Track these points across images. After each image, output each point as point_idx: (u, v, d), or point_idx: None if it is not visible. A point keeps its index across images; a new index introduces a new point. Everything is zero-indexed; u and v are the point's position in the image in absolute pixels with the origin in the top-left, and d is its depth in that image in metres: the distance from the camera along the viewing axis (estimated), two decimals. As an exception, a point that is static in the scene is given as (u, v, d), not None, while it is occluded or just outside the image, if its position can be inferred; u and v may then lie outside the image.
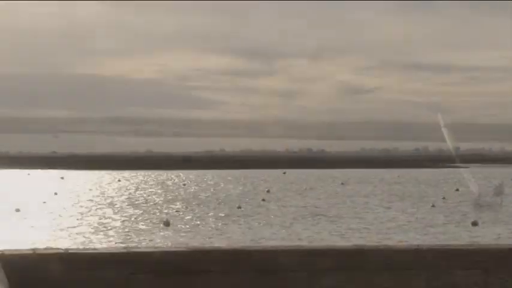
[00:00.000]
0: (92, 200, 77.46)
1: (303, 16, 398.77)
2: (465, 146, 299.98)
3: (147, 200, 78.08)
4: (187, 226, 50.71)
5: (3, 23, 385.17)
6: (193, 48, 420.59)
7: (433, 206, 67.09)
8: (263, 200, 77.47)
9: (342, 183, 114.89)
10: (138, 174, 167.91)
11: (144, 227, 50.31)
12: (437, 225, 51.71)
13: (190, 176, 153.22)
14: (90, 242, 41.90)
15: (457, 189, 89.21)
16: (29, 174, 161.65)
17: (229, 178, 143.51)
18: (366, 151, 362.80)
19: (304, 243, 37.22)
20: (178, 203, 73.12)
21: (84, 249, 7.25)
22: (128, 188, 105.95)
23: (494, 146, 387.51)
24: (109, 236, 44.64)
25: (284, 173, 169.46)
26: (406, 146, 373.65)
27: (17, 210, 61.92)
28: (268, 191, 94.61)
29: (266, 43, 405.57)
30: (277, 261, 7.20)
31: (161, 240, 42.46)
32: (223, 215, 59.23)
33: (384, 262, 7.43)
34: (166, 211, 62.94)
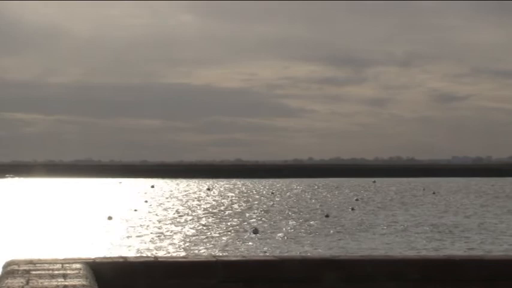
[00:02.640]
0: (181, 208, 78.21)
1: (392, 22, 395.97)
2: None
3: (235, 208, 78.46)
4: (276, 234, 50.73)
5: (99, 36, 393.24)
6: (282, 57, 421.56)
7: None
8: (352, 208, 77.02)
9: (434, 193, 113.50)
10: (228, 182, 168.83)
11: (232, 235, 50.54)
12: None
13: (279, 185, 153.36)
14: (180, 250, 42.27)
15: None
16: (120, 182, 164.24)
17: (317, 187, 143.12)
18: (457, 159, 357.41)
19: (393, 253, 36.88)
20: (266, 212, 73.26)
21: (173, 257, 7.32)
22: (217, 196, 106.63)
23: None
24: (198, 244, 44.97)
25: (374, 181, 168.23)
26: (499, 154, 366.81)
27: (109, 218, 62.97)
28: (357, 200, 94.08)
29: (355, 51, 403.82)
30: (365, 271, 7.14)
31: (250, 249, 42.57)
32: (311, 223, 59.10)
33: (477, 273, 7.27)
34: (254, 219, 63.14)
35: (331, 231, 52.71)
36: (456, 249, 40.99)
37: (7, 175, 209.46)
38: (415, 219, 62.76)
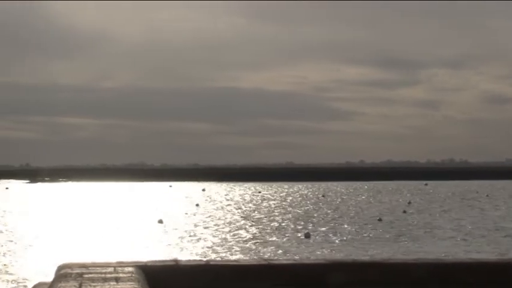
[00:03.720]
0: (232, 212, 78.36)
1: (445, 24, 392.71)
2: None
3: (287, 212, 78.38)
4: (328, 238, 50.57)
5: (149, 40, 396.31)
6: (332, 59, 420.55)
7: None
8: (404, 212, 76.49)
9: (487, 195, 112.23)
10: (278, 186, 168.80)
11: (284, 239, 50.48)
12: None
13: (330, 188, 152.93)
14: (231, 253, 42.34)
15: None
16: (171, 186, 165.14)
17: (369, 189, 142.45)
18: (510, 162, 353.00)
19: (440, 257, 36.51)
20: (318, 215, 73.09)
21: (225, 260, 7.32)
22: (268, 199, 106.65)
23: None
24: (249, 248, 45.00)
25: (426, 184, 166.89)
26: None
27: (160, 221, 63.31)
28: (409, 203, 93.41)
29: (407, 53, 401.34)
30: (417, 274, 7.08)
31: (301, 253, 42.49)
32: (363, 227, 58.79)
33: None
34: (306, 223, 63.01)
35: (385, 235, 52.38)
36: None
37: (60, 179, 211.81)
38: (472, 222, 62.12)
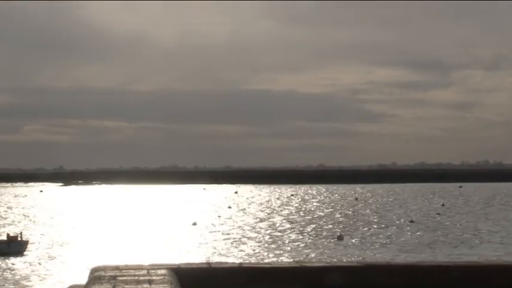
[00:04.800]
0: (264, 214, 78.35)
1: (479, 25, 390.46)
2: None
3: (319, 214, 78.24)
4: (360, 240, 50.40)
5: (182, 44, 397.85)
6: (365, 61, 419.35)
7: None
8: (438, 214, 76.06)
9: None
10: (311, 188, 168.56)
11: (317, 241, 50.39)
12: None
13: (362, 190, 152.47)
14: (263, 255, 42.32)
15: None
16: (204, 188, 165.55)
17: (401, 192, 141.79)
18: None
19: (479, 259, 36.24)
20: (350, 217, 72.87)
21: (257, 263, 7.32)
22: (301, 202, 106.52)
23: None
24: (283, 250, 44.96)
25: (460, 186, 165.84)
26: None
27: (194, 224, 63.49)
28: (443, 205, 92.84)
29: (440, 54, 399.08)
30: (452, 277, 7.04)
31: (334, 255, 42.38)
32: (396, 229, 58.54)
33: None
34: (338, 225, 62.85)
35: (416, 237, 52.09)
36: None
37: (93, 182, 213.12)
38: (509, 225, 61.60)
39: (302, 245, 48.10)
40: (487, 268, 7.30)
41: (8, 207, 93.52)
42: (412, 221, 65.35)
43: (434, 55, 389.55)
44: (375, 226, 61.84)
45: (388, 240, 50.57)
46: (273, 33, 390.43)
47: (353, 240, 50.41)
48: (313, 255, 42.61)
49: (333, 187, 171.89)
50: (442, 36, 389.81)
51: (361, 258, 39.81)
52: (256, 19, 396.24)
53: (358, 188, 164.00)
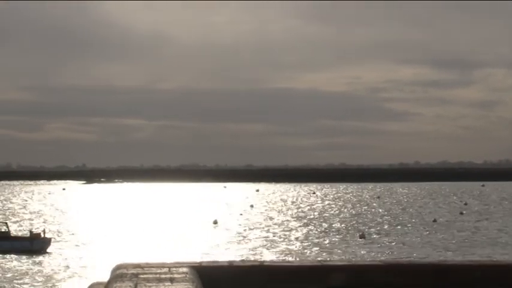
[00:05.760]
0: (286, 213, 78.34)
1: (501, 23, 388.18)
2: None
3: (341, 213, 78.14)
4: (383, 239, 50.29)
5: (204, 42, 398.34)
6: (386, 60, 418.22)
7: None
8: (461, 213, 75.74)
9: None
10: (332, 186, 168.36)
11: (339, 239, 50.34)
12: None
13: (384, 189, 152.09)
14: (285, 254, 42.32)
15: None
16: (225, 187, 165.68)
17: (424, 190, 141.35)
18: None
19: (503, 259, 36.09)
20: (373, 216, 72.75)
21: (279, 261, 7.32)
22: (323, 200, 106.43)
23: None
24: (303, 248, 44.94)
25: (482, 185, 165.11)
26: None
27: (215, 222, 63.58)
28: (465, 204, 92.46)
29: (462, 52, 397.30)
30: (473, 276, 7.00)
31: (356, 253, 42.31)
32: (418, 228, 58.37)
33: None
34: (360, 224, 62.75)
35: (439, 235, 51.94)
36: None
37: (115, 180, 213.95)
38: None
39: (324, 242, 48.05)
40: (510, 268, 7.25)
41: (30, 205, 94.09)
42: (435, 220, 65.14)
43: (456, 53, 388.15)
44: (397, 224, 61.68)
45: (410, 239, 50.42)
46: (295, 32, 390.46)
47: (375, 239, 50.31)
48: (334, 252, 42.56)
49: (354, 186, 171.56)
50: (465, 35, 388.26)
51: (383, 257, 39.72)
52: (278, 17, 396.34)
53: (380, 187, 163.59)
